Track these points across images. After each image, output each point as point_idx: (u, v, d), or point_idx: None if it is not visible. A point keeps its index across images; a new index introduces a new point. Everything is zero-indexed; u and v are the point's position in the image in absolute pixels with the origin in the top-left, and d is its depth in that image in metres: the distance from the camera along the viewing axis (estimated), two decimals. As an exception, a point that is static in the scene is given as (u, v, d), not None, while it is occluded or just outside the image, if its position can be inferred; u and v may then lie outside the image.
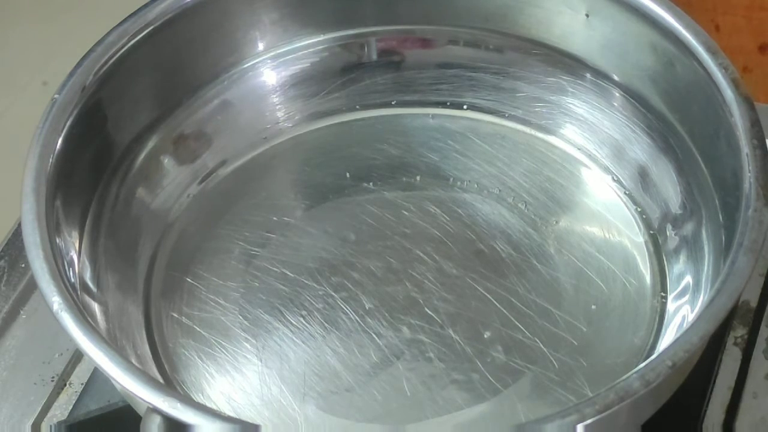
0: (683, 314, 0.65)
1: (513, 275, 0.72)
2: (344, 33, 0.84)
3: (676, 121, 0.72)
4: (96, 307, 0.65)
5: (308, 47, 0.84)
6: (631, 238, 0.74)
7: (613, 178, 0.77)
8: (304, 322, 0.70)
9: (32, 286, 0.76)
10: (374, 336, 0.69)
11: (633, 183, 0.76)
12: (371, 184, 0.79)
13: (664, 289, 0.70)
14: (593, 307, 0.70)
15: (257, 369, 0.68)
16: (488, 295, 0.70)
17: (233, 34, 0.81)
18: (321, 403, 0.65)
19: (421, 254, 0.74)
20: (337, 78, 0.85)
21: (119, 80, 0.72)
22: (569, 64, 0.79)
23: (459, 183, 0.79)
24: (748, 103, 0.62)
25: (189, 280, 0.73)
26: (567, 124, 0.80)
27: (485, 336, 0.68)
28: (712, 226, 0.66)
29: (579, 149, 0.80)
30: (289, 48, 0.84)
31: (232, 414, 0.64)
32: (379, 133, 0.83)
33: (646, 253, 0.73)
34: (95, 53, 0.70)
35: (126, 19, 0.73)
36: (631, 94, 0.76)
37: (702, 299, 0.62)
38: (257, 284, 0.73)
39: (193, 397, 0.66)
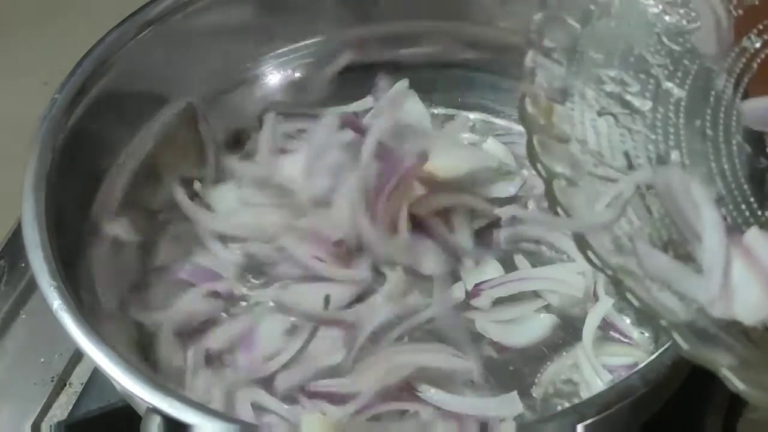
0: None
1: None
2: (344, 33, 0.84)
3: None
4: (96, 307, 0.65)
5: (308, 47, 0.84)
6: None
7: (613, 177, 0.77)
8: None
9: (32, 286, 0.76)
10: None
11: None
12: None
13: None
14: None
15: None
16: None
17: (234, 34, 0.81)
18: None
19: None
20: (337, 79, 0.85)
21: (119, 80, 0.72)
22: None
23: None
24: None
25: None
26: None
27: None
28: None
29: (579, 149, 0.80)
30: (289, 48, 0.84)
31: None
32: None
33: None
34: (95, 53, 0.71)
35: (126, 19, 0.73)
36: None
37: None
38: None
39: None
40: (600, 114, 0.55)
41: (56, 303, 0.57)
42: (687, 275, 0.48)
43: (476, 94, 0.84)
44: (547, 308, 0.69)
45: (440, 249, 0.71)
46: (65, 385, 0.73)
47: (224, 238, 0.73)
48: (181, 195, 0.75)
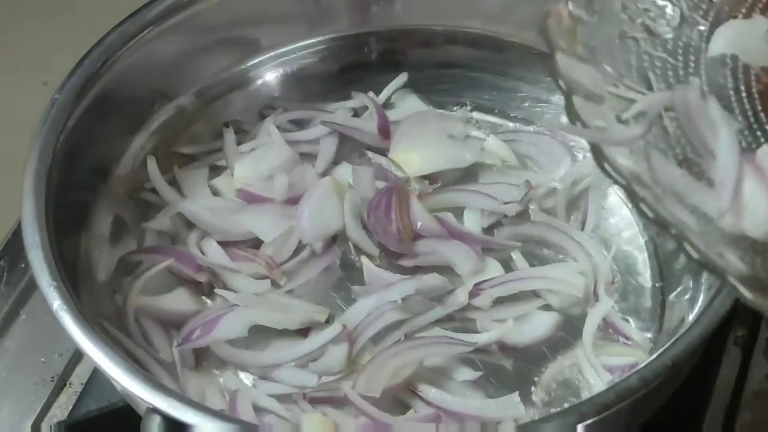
0: (683, 314, 0.65)
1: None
2: (344, 33, 0.84)
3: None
4: (96, 308, 0.65)
5: (308, 47, 0.84)
6: (633, 238, 0.74)
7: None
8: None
9: (32, 286, 0.76)
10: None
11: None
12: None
13: (664, 288, 0.70)
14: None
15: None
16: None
17: (234, 34, 0.81)
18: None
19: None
20: (338, 78, 0.85)
21: (119, 80, 0.72)
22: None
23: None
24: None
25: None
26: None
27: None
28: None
29: (580, 149, 0.80)
30: (289, 48, 0.84)
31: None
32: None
33: (647, 253, 0.73)
34: (95, 53, 0.71)
35: (126, 19, 0.73)
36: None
37: (702, 299, 0.62)
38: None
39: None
40: (621, 37, 0.55)
41: (56, 303, 0.57)
42: (699, 188, 0.50)
43: (476, 94, 0.84)
44: (547, 308, 0.69)
45: (471, 249, 0.71)
46: (65, 385, 0.73)
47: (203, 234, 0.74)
48: (154, 171, 0.75)
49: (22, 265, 0.78)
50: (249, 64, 0.83)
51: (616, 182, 0.49)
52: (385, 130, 0.79)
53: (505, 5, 0.80)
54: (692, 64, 0.56)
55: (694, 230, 0.47)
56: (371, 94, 0.83)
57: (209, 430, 0.52)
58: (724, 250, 0.47)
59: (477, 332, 0.67)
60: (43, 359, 0.74)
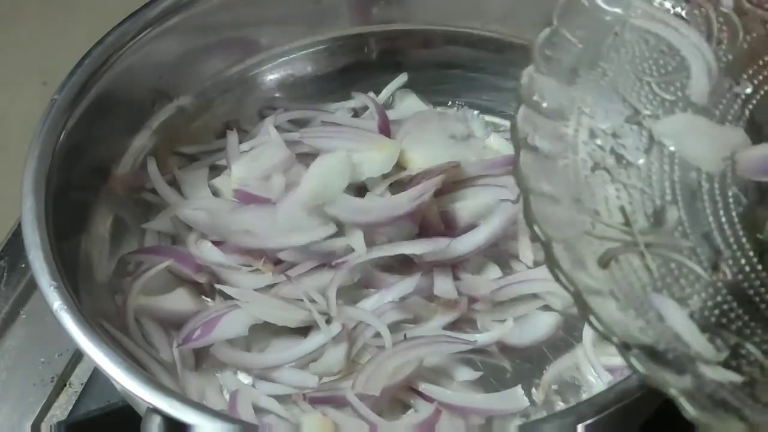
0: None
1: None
2: (344, 33, 0.84)
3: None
4: (96, 308, 0.65)
5: (308, 47, 0.84)
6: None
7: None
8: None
9: (32, 286, 0.76)
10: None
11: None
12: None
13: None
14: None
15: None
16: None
17: (234, 34, 0.81)
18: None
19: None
20: (338, 78, 0.85)
21: (119, 80, 0.72)
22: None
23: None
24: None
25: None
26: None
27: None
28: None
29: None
30: (289, 48, 0.84)
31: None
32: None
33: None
34: (95, 53, 0.71)
35: (126, 19, 0.73)
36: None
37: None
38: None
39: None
40: (594, 170, 0.54)
41: (56, 303, 0.57)
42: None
43: (477, 94, 0.84)
44: (547, 308, 0.69)
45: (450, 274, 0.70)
46: (65, 385, 0.73)
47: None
48: (154, 171, 0.76)
49: (22, 265, 0.78)
50: (249, 64, 0.83)
51: (605, 338, 0.47)
52: (386, 130, 0.79)
53: (505, 6, 0.80)
54: (668, 192, 0.54)
55: (690, 385, 0.46)
56: (371, 94, 0.83)
57: (209, 430, 0.52)
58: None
59: (477, 332, 0.67)
60: (43, 359, 0.74)
